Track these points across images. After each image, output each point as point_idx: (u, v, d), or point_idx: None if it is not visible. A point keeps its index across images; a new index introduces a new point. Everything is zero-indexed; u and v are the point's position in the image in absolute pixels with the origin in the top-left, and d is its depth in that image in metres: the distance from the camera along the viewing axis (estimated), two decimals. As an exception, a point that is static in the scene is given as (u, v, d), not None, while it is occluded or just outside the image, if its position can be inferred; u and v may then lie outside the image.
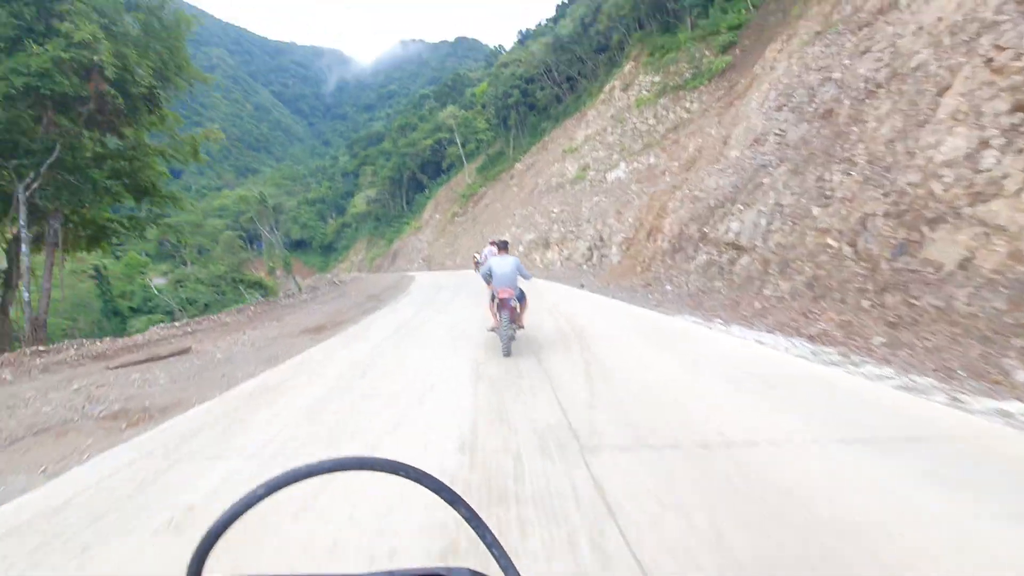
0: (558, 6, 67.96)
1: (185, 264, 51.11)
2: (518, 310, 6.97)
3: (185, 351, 7.81)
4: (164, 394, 5.58)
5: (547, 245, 26.87)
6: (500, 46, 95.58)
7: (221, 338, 9.38)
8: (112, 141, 12.44)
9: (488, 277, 7.20)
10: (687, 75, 28.28)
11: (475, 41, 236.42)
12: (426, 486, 0.58)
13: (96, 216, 11.66)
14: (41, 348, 7.85)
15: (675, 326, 8.17)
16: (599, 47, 51.41)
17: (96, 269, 40.92)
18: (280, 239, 52.96)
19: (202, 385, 5.90)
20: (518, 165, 52.26)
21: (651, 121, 27.92)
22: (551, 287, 16.66)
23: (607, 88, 38.19)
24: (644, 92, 31.18)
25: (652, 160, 23.86)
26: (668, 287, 12.62)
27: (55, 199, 9.99)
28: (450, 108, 64.00)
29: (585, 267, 21.04)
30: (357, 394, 5.16)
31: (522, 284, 7.18)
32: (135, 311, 43.81)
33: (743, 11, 28.63)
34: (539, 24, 58.77)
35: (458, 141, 63.42)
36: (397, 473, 0.57)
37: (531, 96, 58.65)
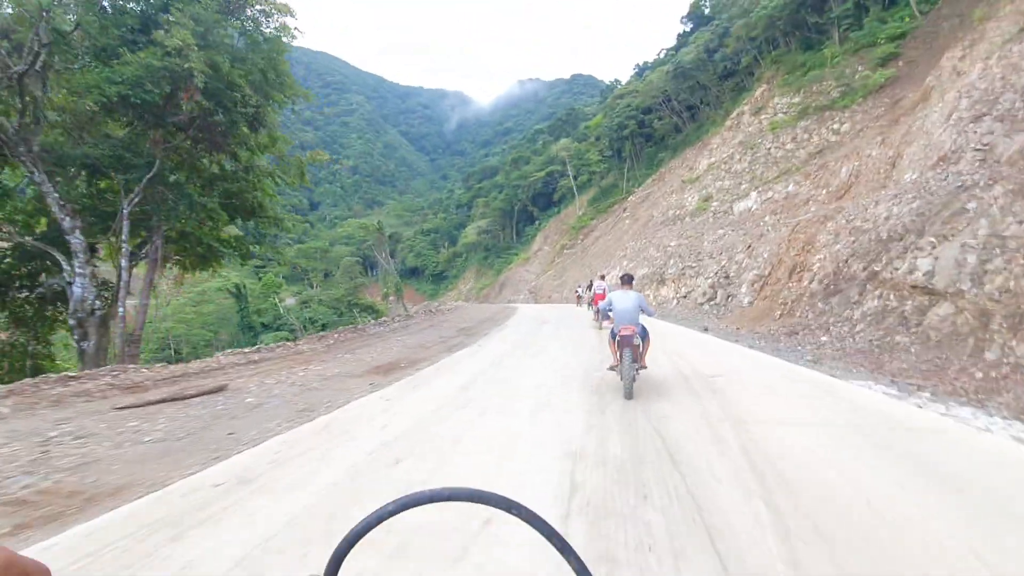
0: (679, 35, 65.83)
1: (312, 287, 55.45)
2: (641, 348, 6.49)
3: (219, 389, 7.04)
4: (121, 469, 4.21)
5: (662, 281, 24.52)
6: (616, 80, 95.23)
7: (275, 372, 8.58)
8: (228, 163, 12.76)
9: (608, 312, 6.78)
10: (834, 94, 24.89)
11: (590, 77, 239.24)
12: (536, 528, 0.59)
13: (204, 235, 12.05)
14: (71, 374, 7.58)
15: (860, 398, 5.84)
16: (724, 73, 48.41)
17: (236, 287, 45.51)
18: (394, 266, 55.47)
19: (182, 455, 4.51)
20: (632, 197, 50.25)
21: (789, 146, 24.78)
22: (669, 329, 14.55)
23: (735, 114, 35.29)
24: (780, 115, 28.04)
25: (791, 188, 20.84)
26: (824, 338, 10.06)
27: (155, 215, 10.28)
28: (563, 141, 64.08)
29: (706, 307, 18.51)
30: (375, 501, 3.77)
31: (644, 321, 6.86)
32: (266, 327, 47.85)
33: (906, 19, 24.79)
34: (658, 55, 57.09)
35: (570, 173, 62.92)
36: (510, 511, 0.59)
37: (648, 127, 56.72)
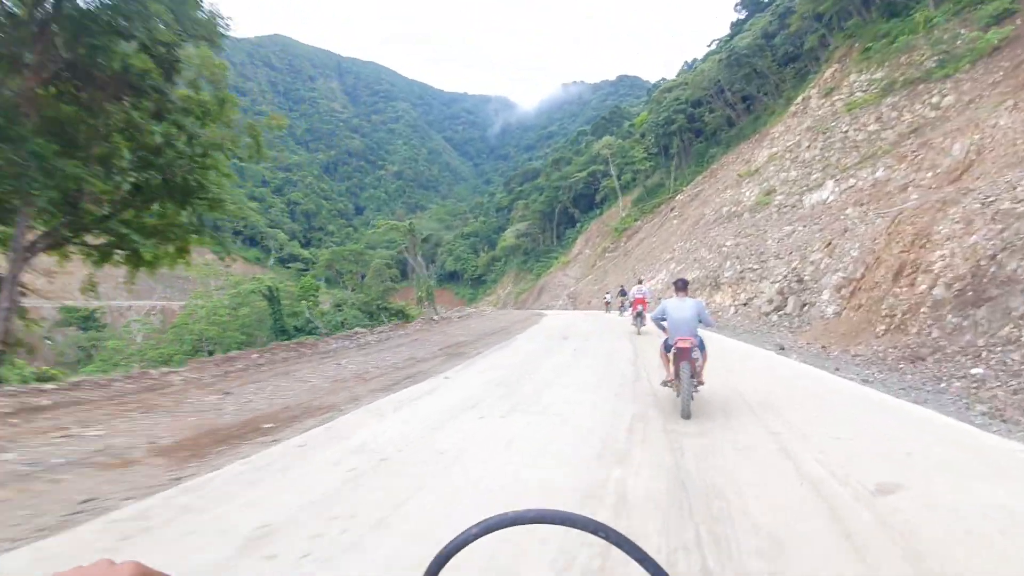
0: (733, 23, 61.27)
1: (349, 289, 54.36)
2: (700, 362, 5.84)
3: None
4: None
5: (716, 286, 21.08)
6: (663, 79, 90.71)
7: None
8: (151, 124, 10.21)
9: (661, 322, 6.22)
10: (929, 64, 20.81)
11: (636, 78, 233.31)
12: (628, 552, 0.57)
13: (118, 223, 9.75)
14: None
15: None
16: (785, 58, 43.99)
17: (269, 289, 44.73)
18: (426, 268, 53.65)
19: None
20: (680, 196, 46.43)
21: (872, 127, 20.86)
22: (731, 346, 11.40)
23: (799, 99, 31.26)
24: (858, 94, 24.05)
25: (880, 173, 17.07)
26: (979, 369, 6.74)
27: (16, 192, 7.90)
28: (606, 139, 60.74)
29: (774, 318, 15.09)
30: None
31: (701, 332, 6.16)
32: (299, 330, 46.90)
33: (1022, -29, 20.42)
34: (708, 46, 53.10)
35: (613, 173, 59.47)
36: (597, 534, 0.58)
37: (698, 121, 52.67)
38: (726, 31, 62.16)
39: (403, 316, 40.73)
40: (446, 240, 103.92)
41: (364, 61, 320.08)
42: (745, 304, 17.84)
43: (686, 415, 5.41)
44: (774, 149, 28.85)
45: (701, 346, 5.91)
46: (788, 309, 14.67)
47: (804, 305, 13.99)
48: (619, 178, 59.81)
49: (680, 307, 6.04)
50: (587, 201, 70.09)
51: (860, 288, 11.79)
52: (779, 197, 23.18)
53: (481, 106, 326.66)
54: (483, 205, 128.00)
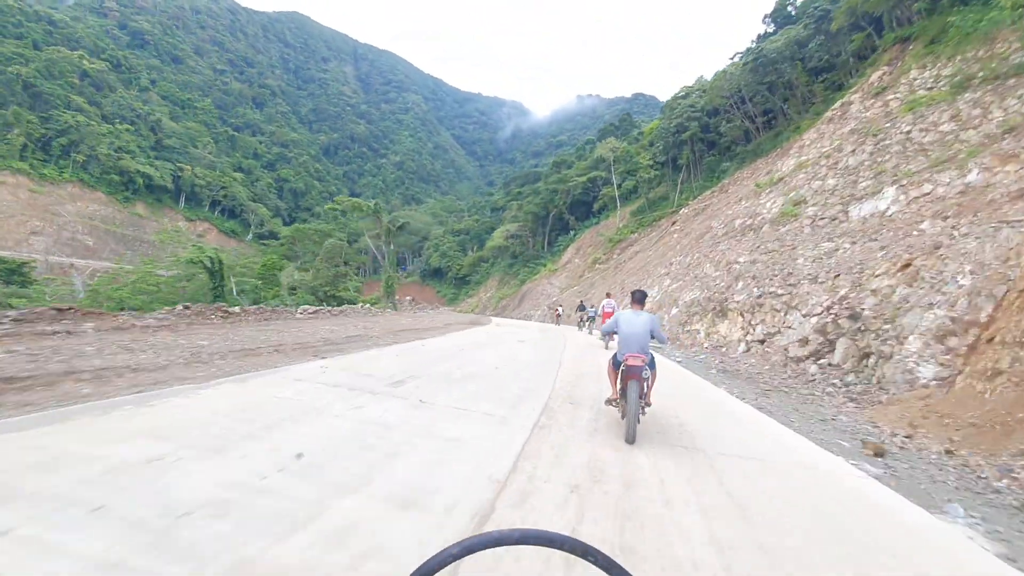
0: (760, 36, 56.65)
1: (307, 272, 49.15)
2: (650, 382, 5.37)
3: None
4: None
5: (721, 312, 15.97)
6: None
7: None
8: None
9: (609, 334, 5.96)
10: (1018, 58, 16.01)
11: (652, 97, 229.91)
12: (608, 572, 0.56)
13: None
14: None
15: None
16: (817, 68, 39.28)
17: (212, 260, 39.26)
18: (408, 262, 48.25)
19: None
20: (684, 210, 41.52)
21: (945, 126, 15.89)
22: (728, 412, 6.28)
23: (838, 104, 26.37)
24: (921, 92, 19.14)
25: (974, 177, 12.06)
26: None
27: None
28: (610, 140, 55.69)
29: (812, 368, 9.97)
30: None
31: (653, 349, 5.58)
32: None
33: None
34: (732, 58, 48.05)
35: (614, 180, 54.45)
36: (586, 557, 0.56)
37: (712, 131, 47.87)
38: (751, 43, 57.51)
39: (351, 305, 35.61)
40: (434, 235, 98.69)
41: (380, 49, 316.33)
42: (762, 341, 12.71)
43: (630, 439, 4.98)
44: (804, 157, 23.88)
45: (651, 364, 5.40)
46: (838, 359, 9.52)
47: (870, 357, 8.83)
48: (620, 186, 54.83)
49: (633, 321, 5.44)
50: (584, 208, 65.11)
51: (992, 339, 6.63)
52: (811, 208, 18.12)
53: (494, 108, 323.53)
54: (479, 204, 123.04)
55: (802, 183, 20.80)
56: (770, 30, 53.39)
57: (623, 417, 5.25)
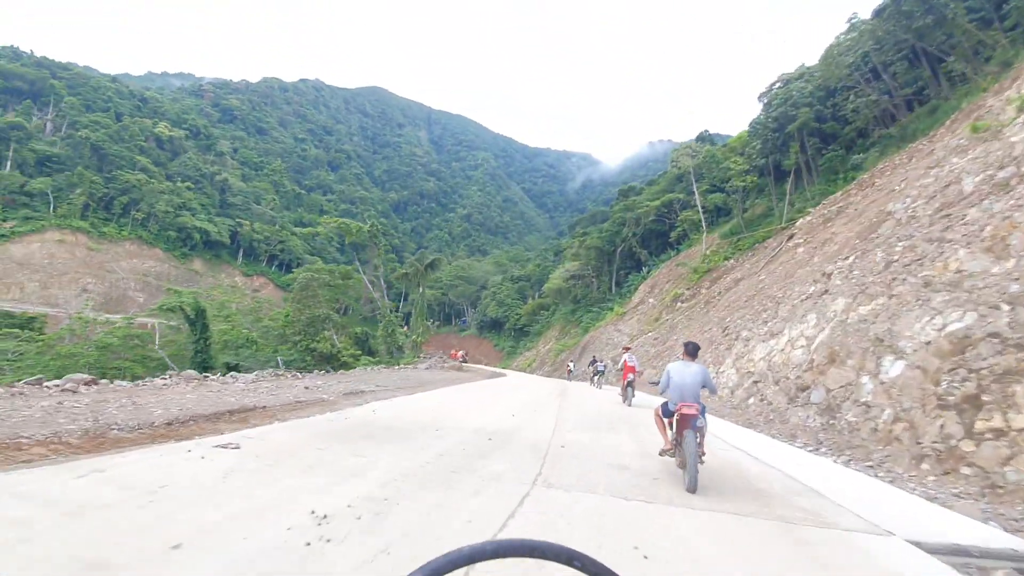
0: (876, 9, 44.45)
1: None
2: (703, 431, 5.46)
3: None
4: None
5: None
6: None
7: None
8: None
9: (661, 387, 5.95)
10: None
11: (727, 136, 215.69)
12: None
13: None
14: None
15: None
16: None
17: (196, 311, 31.99)
18: (422, 302, 38.98)
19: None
20: (802, 220, 29.45)
21: None
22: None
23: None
24: None
25: None
26: None
27: None
28: (687, 143, 44.32)
29: None
30: None
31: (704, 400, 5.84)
32: (233, 368, 33.62)
33: None
34: (852, 19, 36.05)
35: (696, 197, 42.81)
36: (572, 564, 0.53)
37: (829, 121, 35.87)
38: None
39: (341, 365, 26.35)
40: (492, 283, 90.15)
41: (453, 114, 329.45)
42: None
43: (692, 488, 5.09)
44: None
45: (703, 412, 5.56)
46: None
47: None
48: (704, 206, 43.11)
49: (684, 371, 5.74)
50: (659, 240, 53.65)
51: None
52: None
53: (563, 161, 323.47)
54: (545, 251, 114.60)
55: None
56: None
57: (679, 466, 5.48)
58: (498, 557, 0.47)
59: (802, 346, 10.06)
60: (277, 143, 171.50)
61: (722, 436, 8.46)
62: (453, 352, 63.51)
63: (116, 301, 72.73)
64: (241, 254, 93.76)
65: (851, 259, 12.14)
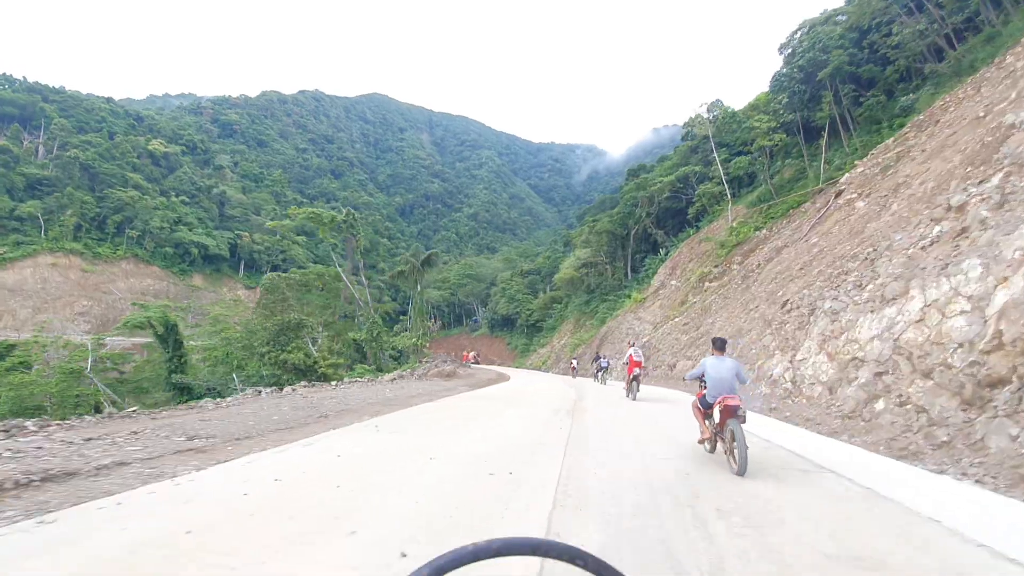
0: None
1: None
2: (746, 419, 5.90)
3: None
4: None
5: None
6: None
7: None
8: None
9: (698, 381, 6.55)
10: None
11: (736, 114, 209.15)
12: None
13: None
14: None
15: None
16: None
17: (166, 326, 28.60)
18: (420, 300, 35.20)
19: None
20: (848, 176, 25.26)
21: None
22: None
23: None
24: None
25: None
26: None
27: None
28: (703, 103, 39.88)
29: None
30: None
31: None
32: (214, 391, 30.19)
33: None
34: None
35: (716, 157, 38.40)
36: (575, 563, 0.53)
37: (864, 65, 31.43)
38: None
39: (321, 378, 22.60)
40: (502, 279, 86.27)
41: (454, 115, 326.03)
42: None
43: (742, 472, 5.39)
44: None
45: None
46: None
47: None
48: (726, 174, 38.74)
49: (720, 367, 6.15)
50: (676, 218, 49.34)
51: None
52: None
53: (567, 154, 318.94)
54: (554, 243, 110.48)
55: None
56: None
57: (717, 451, 6.22)
58: (502, 555, 0.47)
59: (963, 311, 6.11)
60: (278, 154, 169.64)
61: (871, 484, 4.59)
62: (464, 354, 60.03)
63: (113, 323, 70.27)
64: (242, 266, 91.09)
65: (994, 180, 8.10)
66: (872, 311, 7.98)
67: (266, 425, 8.06)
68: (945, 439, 5.27)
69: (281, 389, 16.33)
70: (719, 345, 6.42)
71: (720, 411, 5.74)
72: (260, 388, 15.56)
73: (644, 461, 6.08)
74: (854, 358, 7.80)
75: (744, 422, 5.62)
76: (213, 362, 31.14)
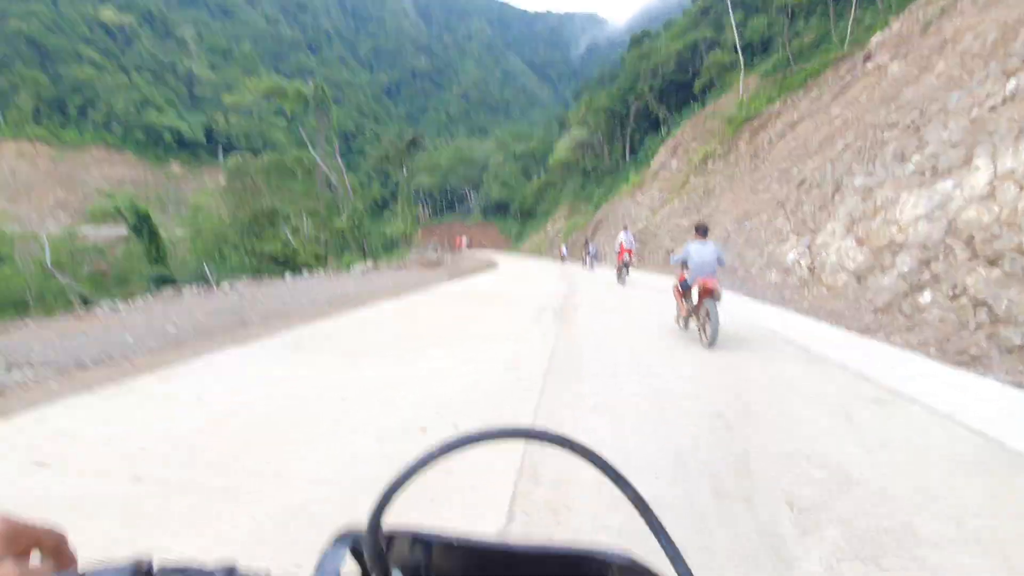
0: None
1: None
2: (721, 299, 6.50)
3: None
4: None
5: None
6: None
7: None
8: None
9: (681, 264, 6.99)
10: None
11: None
12: (592, 463, 0.53)
13: None
14: None
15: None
16: None
17: (139, 217, 26.95)
18: (406, 186, 33.24)
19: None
20: (878, 37, 22.32)
21: None
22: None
23: None
24: None
25: None
26: None
27: None
28: None
29: None
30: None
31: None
32: (166, 281, 29.15)
33: None
34: None
35: (730, 18, 34.27)
36: (564, 447, 0.53)
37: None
38: None
39: (292, 268, 21.45)
40: (494, 163, 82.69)
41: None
42: None
43: (712, 343, 6.09)
44: None
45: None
46: None
47: None
48: (741, 33, 34.76)
49: (702, 251, 6.60)
50: (681, 92, 45.50)
51: None
52: None
53: (565, 24, 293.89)
54: (550, 124, 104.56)
55: None
56: None
57: (698, 329, 6.64)
58: (502, 439, 0.51)
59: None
60: (246, 25, 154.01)
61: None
62: (457, 238, 58.92)
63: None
64: (221, 151, 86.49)
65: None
66: (920, 186, 6.66)
67: (151, 340, 6.17)
68: (1020, 342, 4.29)
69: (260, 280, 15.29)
70: (701, 231, 6.87)
71: (699, 291, 6.28)
72: (232, 281, 14.51)
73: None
74: (892, 242, 6.64)
75: (719, 300, 6.18)
76: (198, 253, 30.00)
